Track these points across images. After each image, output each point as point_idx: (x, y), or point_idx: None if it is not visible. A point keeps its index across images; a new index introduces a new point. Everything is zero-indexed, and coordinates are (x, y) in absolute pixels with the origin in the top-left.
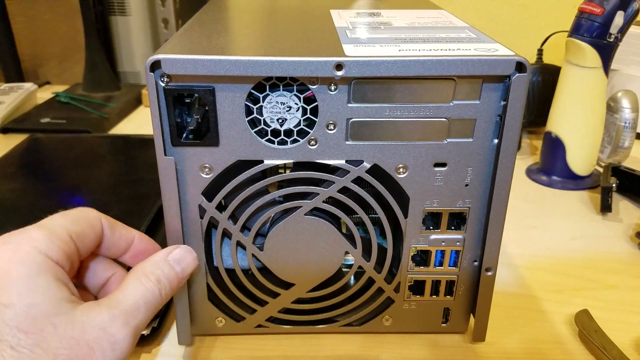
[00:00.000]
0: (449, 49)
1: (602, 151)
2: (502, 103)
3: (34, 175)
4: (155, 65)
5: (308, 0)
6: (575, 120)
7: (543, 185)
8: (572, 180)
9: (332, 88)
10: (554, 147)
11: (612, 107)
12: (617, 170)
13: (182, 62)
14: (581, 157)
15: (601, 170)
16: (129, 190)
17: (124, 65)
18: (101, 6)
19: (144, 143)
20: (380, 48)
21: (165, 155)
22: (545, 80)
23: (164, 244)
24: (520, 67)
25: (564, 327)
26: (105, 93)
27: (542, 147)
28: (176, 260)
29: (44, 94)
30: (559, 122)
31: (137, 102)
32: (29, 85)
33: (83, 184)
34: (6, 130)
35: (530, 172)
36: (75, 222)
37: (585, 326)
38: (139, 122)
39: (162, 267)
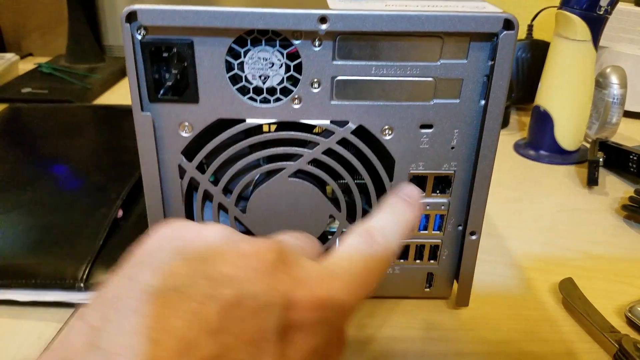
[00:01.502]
0: (437, 6)
1: (590, 127)
2: (490, 63)
3: (14, 144)
4: (131, 17)
5: None
6: (564, 94)
7: (530, 160)
8: (559, 155)
9: (317, 44)
10: (543, 121)
11: (600, 83)
12: (604, 145)
13: (160, 13)
14: (569, 132)
15: (588, 146)
16: (111, 158)
17: (109, 39)
18: None
19: (127, 113)
20: (366, 3)
21: (143, 111)
22: (534, 56)
23: (144, 210)
24: (508, 24)
25: (548, 295)
26: (89, 64)
27: (530, 122)
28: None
29: (26, 66)
30: (547, 95)
31: (122, 73)
32: (10, 56)
33: (64, 152)
34: None
35: (518, 147)
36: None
37: (569, 293)
38: (124, 94)
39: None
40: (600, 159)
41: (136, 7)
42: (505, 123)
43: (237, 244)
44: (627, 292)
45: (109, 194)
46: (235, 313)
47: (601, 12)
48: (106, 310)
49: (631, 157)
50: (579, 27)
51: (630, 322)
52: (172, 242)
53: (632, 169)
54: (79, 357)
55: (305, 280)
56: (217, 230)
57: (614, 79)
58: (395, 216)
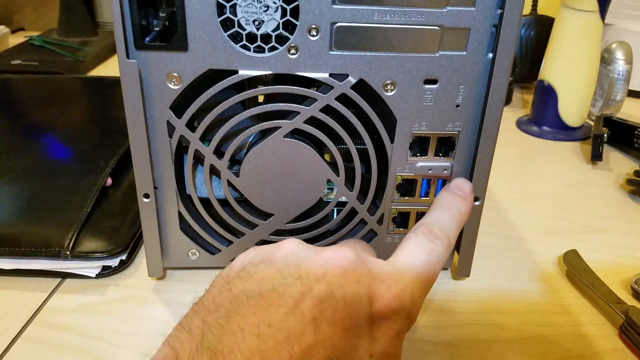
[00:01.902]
0: None
1: (594, 105)
2: (498, 12)
3: (3, 113)
4: None
5: None
6: (570, 67)
7: (533, 136)
8: (563, 131)
9: None
10: (546, 96)
11: (605, 59)
12: (608, 121)
13: None
14: (573, 107)
15: (592, 123)
16: (101, 128)
17: (103, 15)
18: None
19: (119, 84)
20: None
21: (128, 58)
22: (539, 32)
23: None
24: None
25: (552, 267)
26: (82, 38)
27: (533, 98)
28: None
29: (17, 39)
30: (552, 69)
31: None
32: (0, 28)
33: (54, 121)
34: None
35: (521, 124)
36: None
37: (574, 265)
38: (116, 68)
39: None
40: (605, 134)
41: None
42: (507, 100)
43: (317, 250)
44: (632, 265)
45: (97, 162)
46: (329, 304)
47: None
48: (208, 317)
49: (636, 132)
50: None
51: (636, 294)
52: (256, 257)
53: (637, 145)
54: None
55: (381, 275)
56: (292, 242)
57: (620, 55)
58: (449, 210)
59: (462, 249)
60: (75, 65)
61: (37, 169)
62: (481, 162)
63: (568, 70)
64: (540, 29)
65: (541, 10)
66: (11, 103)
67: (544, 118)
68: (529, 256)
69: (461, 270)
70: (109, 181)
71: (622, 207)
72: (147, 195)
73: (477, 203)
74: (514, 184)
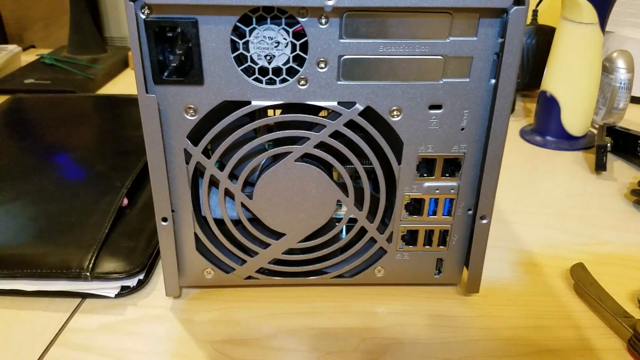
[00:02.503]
0: None
1: (597, 113)
2: (500, 40)
3: (16, 134)
4: None
5: None
6: (571, 78)
7: (537, 146)
8: (566, 141)
9: (323, 21)
10: (549, 107)
11: (607, 68)
12: (611, 130)
13: None
14: (576, 117)
15: (595, 132)
16: (114, 147)
17: (110, 30)
18: None
19: (130, 102)
20: None
21: (147, 93)
22: (540, 42)
23: (152, 198)
24: (518, 0)
25: (559, 280)
26: (91, 55)
27: (536, 108)
28: None
29: (29, 57)
30: (554, 80)
31: (124, 64)
32: (12, 47)
33: (68, 141)
34: None
35: (524, 133)
36: None
37: (581, 278)
38: (126, 84)
39: None
40: (608, 144)
41: None
42: (511, 109)
43: None
44: (638, 278)
45: (113, 182)
46: None
47: None
48: None
49: (639, 141)
50: (586, 9)
51: None
52: None
53: None
54: None
55: None
56: None
57: (621, 64)
58: None
59: (471, 265)
60: (86, 83)
61: (54, 190)
62: (487, 182)
63: (570, 82)
64: (541, 39)
65: (541, 20)
66: (26, 123)
67: (547, 128)
68: (537, 270)
69: (470, 286)
70: (125, 201)
71: (627, 218)
72: (165, 219)
73: (484, 222)
74: (519, 195)
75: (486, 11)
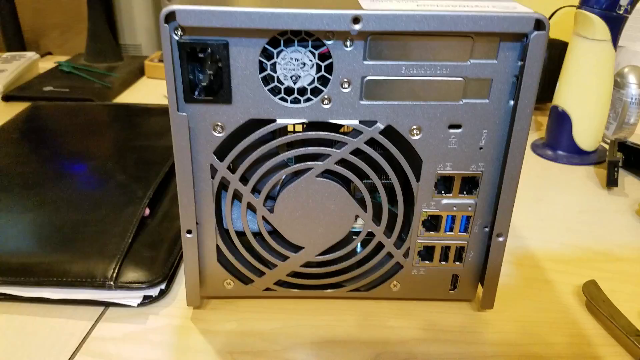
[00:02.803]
0: (468, 6)
1: (608, 128)
2: (520, 63)
3: (37, 141)
4: (169, 17)
5: None
6: (583, 94)
7: (548, 160)
8: (577, 156)
9: (348, 44)
10: (561, 121)
11: (618, 83)
12: (623, 146)
13: (197, 14)
14: (587, 132)
15: (606, 146)
16: (134, 157)
17: (125, 38)
18: None
19: (147, 112)
20: (398, 3)
21: (178, 111)
22: (551, 56)
23: (172, 208)
24: (538, 24)
25: (571, 297)
26: (108, 63)
27: (548, 122)
28: None
29: (46, 64)
30: (566, 95)
31: (140, 72)
32: (31, 54)
33: (87, 150)
34: (8, 98)
35: (536, 147)
36: None
37: (593, 296)
38: (143, 93)
39: None
40: (620, 159)
41: (175, 7)
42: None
43: None
44: None
45: (135, 192)
46: None
47: (621, 12)
48: None
49: None
50: (599, 26)
51: None
52: None
53: None
54: None
55: None
56: None
57: (632, 79)
58: None
59: (486, 281)
60: (104, 91)
61: (77, 199)
62: (504, 201)
63: (582, 97)
64: (553, 53)
65: (553, 33)
66: (46, 131)
67: (559, 142)
68: (549, 286)
69: (485, 302)
70: (147, 211)
71: (639, 234)
72: (190, 231)
73: (500, 239)
74: (532, 210)
75: (507, 35)
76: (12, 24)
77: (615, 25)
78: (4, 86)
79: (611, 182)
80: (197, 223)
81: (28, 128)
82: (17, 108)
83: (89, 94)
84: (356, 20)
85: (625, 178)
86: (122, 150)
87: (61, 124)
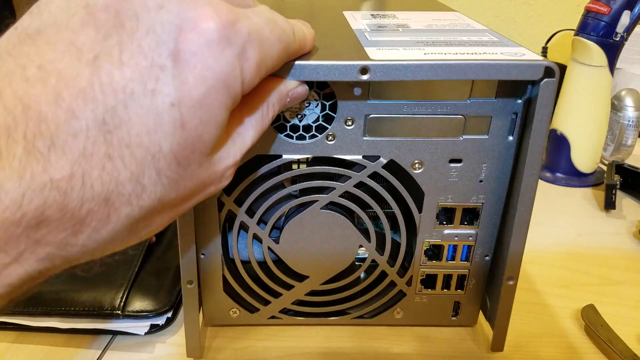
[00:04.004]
0: (475, 53)
1: (605, 149)
2: (518, 101)
3: None
4: None
5: (314, 3)
6: (581, 118)
7: (547, 182)
8: (576, 178)
9: (352, 84)
10: (559, 145)
11: (615, 106)
12: (620, 168)
13: None
14: (586, 155)
15: (604, 167)
16: None
17: None
18: None
19: None
20: (404, 51)
21: None
22: None
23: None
24: (549, 72)
25: (570, 322)
26: None
27: (546, 145)
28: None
29: None
30: (564, 119)
31: None
32: None
33: None
34: None
35: None
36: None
37: (592, 321)
38: None
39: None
40: (617, 182)
41: None
42: (538, 177)
43: None
44: None
45: None
46: (114, 32)
47: (617, 39)
48: None
49: None
50: (595, 53)
51: None
52: None
53: None
54: None
55: None
56: None
57: (629, 102)
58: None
59: (496, 324)
60: None
61: None
62: (515, 244)
63: (579, 121)
64: None
65: (551, 57)
66: None
67: (558, 165)
68: (548, 310)
69: (495, 344)
70: (153, 239)
71: (636, 258)
72: (191, 282)
73: (511, 282)
74: (531, 233)
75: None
76: None
77: (612, 51)
78: None
79: (609, 204)
80: (202, 254)
81: None
82: None
83: None
84: (364, 70)
85: (623, 200)
86: None
87: None
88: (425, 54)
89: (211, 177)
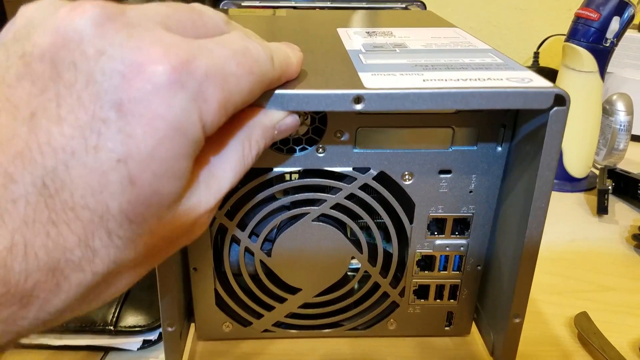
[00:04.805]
0: (479, 79)
1: (598, 153)
2: (507, 113)
3: None
4: None
5: (308, 18)
6: (573, 124)
7: None
8: (568, 182)
9: None
10: None
11: (607, 110)
12: (612, 173)
13: None
14: (578, 160)
15: (597, 172)
16: None
17: None
18: None
19: None
20: (402, 77)
21: None
22: None
23: None
24: (559, 100)
25: (564, 329)
26: None
27: None
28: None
29: None
30: None
31: None
32: None
33: None
34: None
35: None
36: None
37: (585, 328)
38: None
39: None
40: (609, 187)
41: None
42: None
43: (57, 5)
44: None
45: None
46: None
47: (607, 45)
48: None
49: (639, 185)
50: (586, 59)
51: None
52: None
53: None
54: None
55: (153, 37)
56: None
57: (620, 106)
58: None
59: None
60: None
61: None
62: (522, 281)
63: (571, 127)
64: None
65: (543, 61)
66: None
67: None
68: (542, 318)
69: None
70: None
71: (629, 263)
72: (171, 325)
73: (517, 320)
74: None
75: None
76: None
77: (602, 57)
78: None
79: (601, 209)
80: (194, 269)
81: None
82: None
83: None
84: (358, 100)
85: (616, 204)
86: None
87: None
88: (424, 80)
89: (179, 229)
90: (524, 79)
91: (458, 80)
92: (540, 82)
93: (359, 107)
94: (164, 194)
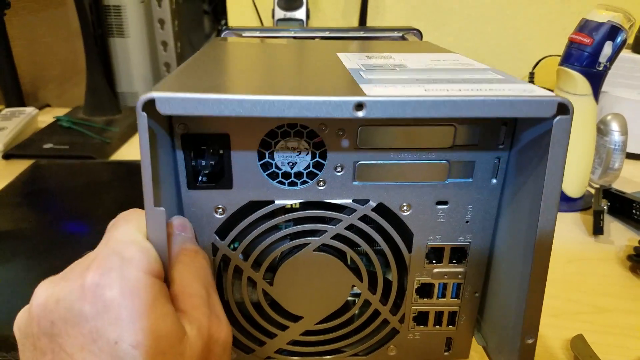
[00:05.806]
0: (481, 89)
1: (593, 172)
2: (500, 146)
3: (39, 203)
4: (147, 106)
5: (308, 44)
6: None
7: None
8: (564, 203)
9: (340, 134)
10: None
11: (602, 130)
12: (608, 193)
13: (180, 102)
14: (573, 180)
15: (592, 191)
16: None
17: (122, 86)
18: (101, 29)
19: None
20: (403, 88)
21: (181, 198)
22: None
23: None
24: (562, 109)
25: (561, 352)
26: (107, 117)
27: None
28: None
29: (45, 117)
30: None
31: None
32: (30, 110)
33: (88, 211)
34: (9, 156)
35: None
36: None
37: (581, 352)
38: None
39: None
40: (605, 207)
41: (155, 95)
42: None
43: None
44: (636, 347)
45: None
46: None
47: (601, 69)
48: None
49: (634, 205)
50: (580, 82)
51: None
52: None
53: (635, 217)
54: None
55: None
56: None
57: (615, 127)
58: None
59: None
60: (103, 147)
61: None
62: (532, 300)
63: None
64: None
65: (538, 81)
66: (46, 192)
67: None
68: (539, 341)
69: None
70: None
71: (625, 284)
72: None
73: (529, 341)
74: None
75: (488, 121)
76: (11, 76)
77: (596, 80)
78: (4, 144)
79: (597, 230)
80: None
81: (30, 190)
82: (18, 166)
83: (88, 150)
84: (359, 106)
85: (612, 224)
86: (123, 210)
87: (62, 184)
88: (425, 90)
89: None
90: (526, 90)
91: (460, 90)
92: (542, 92)
93: (360, 114)
94: None
